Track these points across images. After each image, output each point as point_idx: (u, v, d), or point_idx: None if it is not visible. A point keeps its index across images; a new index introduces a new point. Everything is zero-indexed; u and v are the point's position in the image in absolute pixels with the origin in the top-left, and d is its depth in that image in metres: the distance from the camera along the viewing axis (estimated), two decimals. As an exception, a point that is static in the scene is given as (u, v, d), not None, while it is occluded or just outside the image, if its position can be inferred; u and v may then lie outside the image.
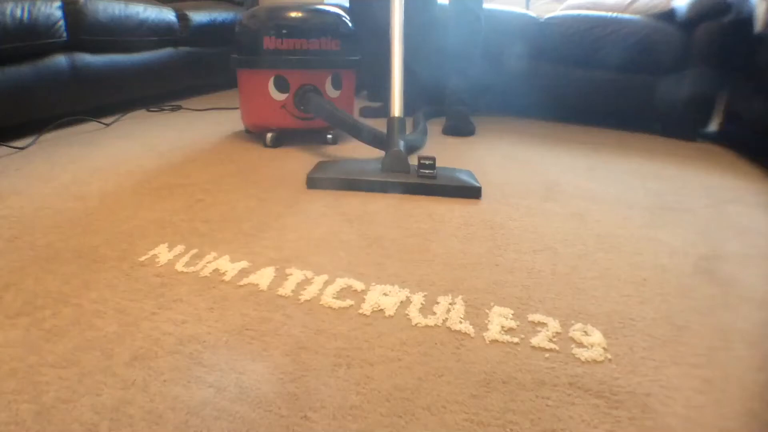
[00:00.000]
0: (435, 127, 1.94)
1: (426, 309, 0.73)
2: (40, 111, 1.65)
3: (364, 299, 0.75)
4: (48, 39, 1.58)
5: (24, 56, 1.54)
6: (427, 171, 1.22)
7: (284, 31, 1.49)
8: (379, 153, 1.51)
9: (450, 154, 1.59)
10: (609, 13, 2.12)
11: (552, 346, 0.66)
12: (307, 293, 0.76)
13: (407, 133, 1.60)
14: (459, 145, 1.72)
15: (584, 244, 0.97)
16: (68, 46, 1.69)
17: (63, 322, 0.67)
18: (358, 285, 0.79)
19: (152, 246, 0.89)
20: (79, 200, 1.09)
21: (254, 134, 1.70)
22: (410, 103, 2.15)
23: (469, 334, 0.68)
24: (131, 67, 2.02)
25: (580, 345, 0.66)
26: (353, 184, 1.21)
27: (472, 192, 1.20)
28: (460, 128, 1.89)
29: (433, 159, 1.23)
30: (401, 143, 1.29)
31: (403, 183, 1.20)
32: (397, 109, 1.35)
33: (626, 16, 2.10)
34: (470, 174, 1.30)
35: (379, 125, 1.48)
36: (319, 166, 1.30)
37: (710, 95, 1.99)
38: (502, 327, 0.70)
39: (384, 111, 2.14)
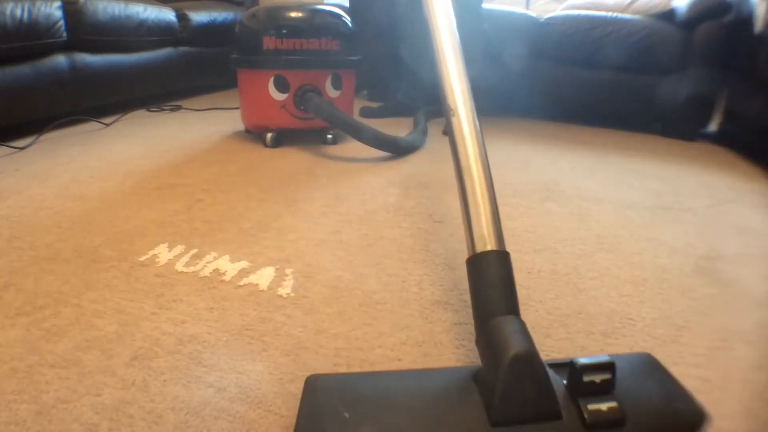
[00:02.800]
0: (435, 128, 1.94)
1: (426, 309, 0.73)
2: (40, 111, 1.65)
3: (364, 299, 0.75)
4: (48, 39, 1.58)
5: (24, 56, 1.54)
6: (602, 407, 0.47)
7: (284, 31, 1.49)
8: (385, 154, 1.51)
9: (449, 154, 1.59)
10: (609, 13, 2.12)
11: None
12: (307, 293, 0.76)
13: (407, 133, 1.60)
14: (459, 145, 1.72)
15: (584, 244, 0.97)
16: (68, 46, 1.69)
17: (63, 322, 0.67)
18: (359, 285, 0.79)
19: (152, 246, 0.89)
20: (79, 200, 1.09)
21: (254, 134, 1.70)
22: (410, 103, 2.17)
23: (470, 333, 0.68)
24: (131, 67, 2.02)
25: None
26: None
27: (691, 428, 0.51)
28: None
29: (611, 368, 0.48)
30: (516, 323, 0.52)
31: None
32: (489, 237, 0.59)
33: (626, 16, 2.10)
34: (654, 371, 0.55)
35: (380, 125, 1.48)
36: (315, 404, 0.48)
37: (710, 95, 1.99)
38: (502, 327, 0.69)
39: (384, 111, 2.15)
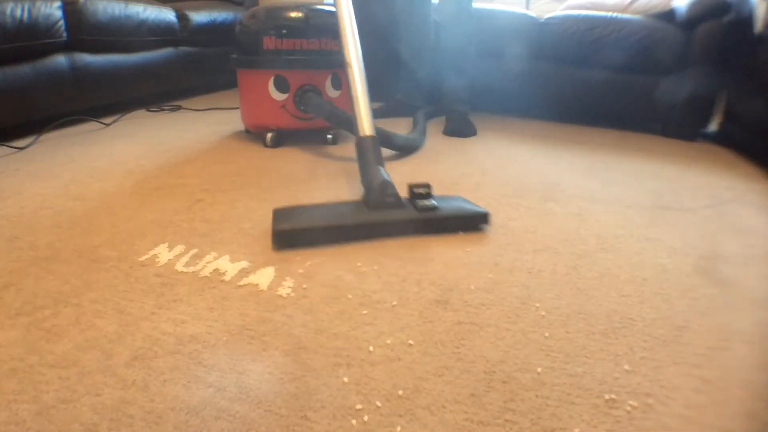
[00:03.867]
0: (435, 128, 1.94)
1: (426, 309, 0.73)
2: (40, 111, 1.65)
3: (364, 298, 0.75)
4: (48, 39, 1.58)
5: (24, 56, 1.54)
6: (426, 203, 0.97)
7: (284, 31, 1.49)
8: (384, 153, 1.51)
9: (450, 155, 1.59)
10: (609, 13, 2.12)
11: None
12: (307, 293, 0.76)
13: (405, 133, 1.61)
14: (459, 146, 1.72)
15: (584, 244, 0.97)
16: (68, 46, 1.69)
17: (63, 322, 0.67)
18: (359, 284, 0.79)
19: (152, 246, 0.89)
20: (79, 200, 1.09)
21: (254, 134, 1.70)
22: (410, 103, 2.17)
23: (470, 332, 0.68)
24: (131, 67, 2.02)
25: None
26: (337, 232, 0.92)
27: (479, 219, 1.01)
28: (461, 129, 1.89)
29: (428, 186, 1.00)
30: (382, 170, 1.02)
31: (401, 221, 0.95)
32: (366, 126, 1.10)
33: (626, 16, 2.10)
34: (465, 200, 1.08)
35: (380, 125, 1.48)
36: (281, 215, 0.94)
37: (710, 95, 1.99)
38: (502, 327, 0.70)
39: (383, 111, 2.15)
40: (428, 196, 1.00)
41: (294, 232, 0.90)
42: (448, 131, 1.90)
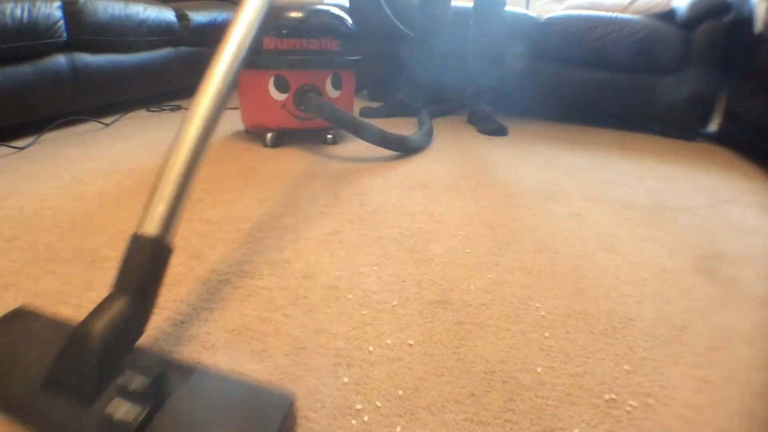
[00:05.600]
0: (444, 127, 1.94)
1: (426, 309, 0.73)
2: (40, 111, 1.65)
3: (364, 299, 0.75)
4: (48, 39, 1.58)
5: (24, 56, 1.53)
6: (119, 415, 0.44)
7: (284, 31, 1.49)
8: (385, 153, 1.51)
9: (450, 154, 1.59)
10: (609, 13, 2.12)
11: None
12: (308, 293, 0.76)
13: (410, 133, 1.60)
14: (459, 146, 1.72)
15: (584, 244, 0.97)
16: (68, 46, 1.69)
17: (63, 322, 0.67)
18: (358, 285, 0.79)
19: (152, 246, 0.89)
20: (79, 200, 1.09)
21: (254, 134, 1.70)
22: (410, 103, 2.17)
23: (470, 333, 0.68)
24: (131, 67, 2.02)
25: (580, 345, 0.66)
26: None
27: None
28: (497, 129, 1.93)
29: (162, 369, 0.48)
30: (124, 314, 0.51)
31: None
32: (155, 217, 0.58)
33: (626, 16, 2.10)
34: (274, 410, 0.48)
35: (380, 125, 1.48)
36: None
37: (710, 95, 2.00)
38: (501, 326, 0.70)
39: (384, 111, 2.16)
40: (150, 387, 0.46)
41: None
42: (485, 131, 1.94)
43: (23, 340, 0.57)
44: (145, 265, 0.55)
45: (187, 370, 0.51)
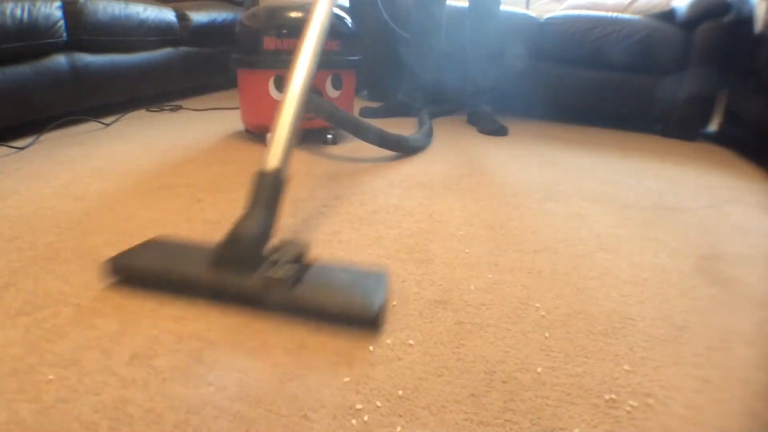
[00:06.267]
0: (437, 128, 1.94)
1: (426, 309, 0.73)
2: (40, 111, 1.65)
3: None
4: (48, 39, 1.58)
5: (24, 56, 1.54)
6: (279, 275, 0.67)
7: (284, 31, 1.49)
8: (385, 153, 1.51)
9: (450, 155, 1.59)
10: (609, 13, 2.13)
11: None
12: (307, 293, 0.76)
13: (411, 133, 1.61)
14: (459, 146, 1.72)
15: (584, 244, 0.97)
16: (68, 46, 1.69)
17: (63, 322, 0.67)
18: (358, 285, 0.79)
19: (152, 246, 0.89)
20: (79, 200, 1.09)
21: (254, 134, 1.70)
22: (411, 103, 2.17)
23: (470, 333, 0.68)
24: (131, 67, 2.02)
25: (580, 345, 0.66)
26: (165, 280, 0.74)
27: (359, 319, 0.67)
28: (497, 129, 1.93)
29: (302, 251, 0.73)
30: (263, 219, 0.76)
31: (232, 291, 0.71)
32: (273, 158, 0.81)
33: (626, 16, 2.10)
34: (379, 280, 0.73)
35: (380, 125, 1.48)
36: (143, 246, 0.82)
37: (710, 95, 2.00)
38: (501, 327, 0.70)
39: (384, 111, 2.16)
40: (291, 266, 0.69)
41: (124, 267, 0.76)
42: (485, 131, 1.94)
43: (172, 249, 0.81)
44: (272, 189, 0.79)
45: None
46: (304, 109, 0.86)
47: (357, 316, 0.67)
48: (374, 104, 2.26)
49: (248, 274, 0.69)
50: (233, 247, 0.72)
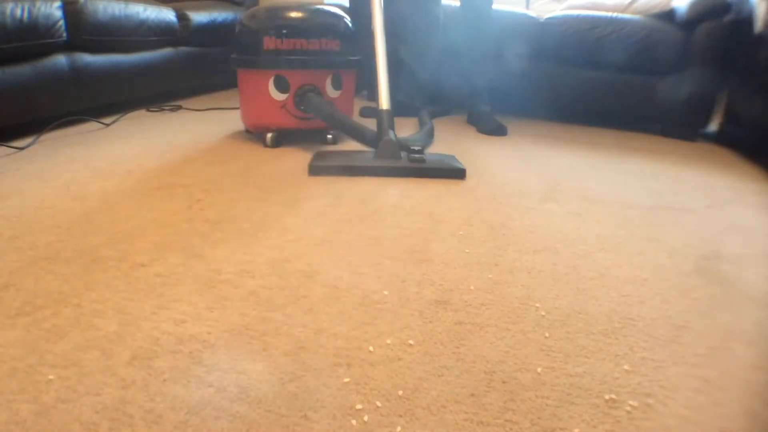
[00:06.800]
0: (438, 128, 1.94)
1: (426, 309, 0.73)
2: (40, 111, 1.65)
3: (364, 299, 0.75)
4: (48, 39, 1.58)
5: (24, 56, 1.53)
6: (416, 156, 1.37)
7: (284, 31, 1.49)
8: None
9: (450, 154, 1.59)
10: (609, 14, 2.12)
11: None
12: (308, 293, 0.76)
13: (410, 134, 1.61)
14: (459, 146, 1.72)
15: (584, 244, 0.97)
16: (68, 46, 1.69)
17: (63, 322, 0.67)
18: (358, 285, 0.79)
19: (152, 246, 0.89)
20: (79, 200, 1.09)
21: (254, 134, 1.70)
22: (411, 103, 2.17)
23: (470, 333, 0.68)
24: (131, 67, 2.02)
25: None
26: (351, 170, 1.33)
27: (457, 173, 1.35)
28: (496, 129, 1.94)
29: (422, 147, 1.43)
30: (391, 133, 1.41)
31: (395, 167, 1.34)
32: (384, 101, 1.44)
33: (626, 16, 2.10)
34: (454, 158, 1.45)
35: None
36: (319, 156, 1.41)
37: (710, 95, 1.99)
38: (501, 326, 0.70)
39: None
40: (420, 152, 1.39)
41: (322, 168, 1.33)
42: (484, 131, 1.94)
43: (342, 154, 1.46)
44: (391, 119, 1.44)
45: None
46: (390, 64, 1.47)
47: (457, 172, 1.36)
48: (374, 104, 2.26)
49: (400, 159, 1.38)
50: (387, 147, 1.38)
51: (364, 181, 1.29)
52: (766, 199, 1.32)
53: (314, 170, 1.31)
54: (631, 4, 2.22)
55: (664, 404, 0.57)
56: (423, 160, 1.35)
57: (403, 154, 1.39)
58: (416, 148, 1.40)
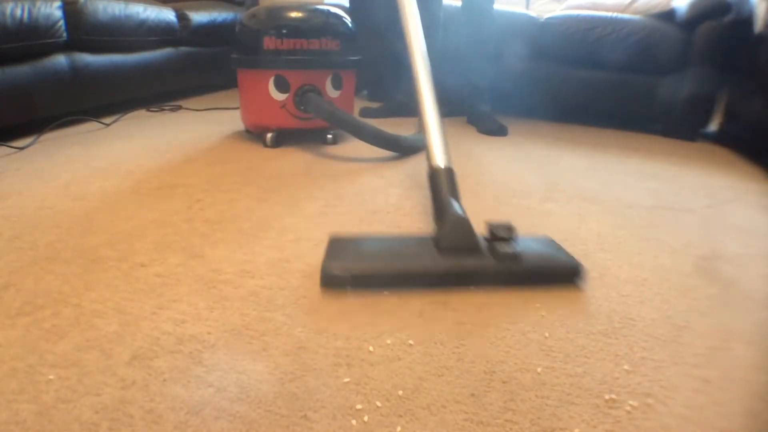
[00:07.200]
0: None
1: (426, 309, 0.73)
2: (40, 111, 1.65)
3: (364, 298, 0.75)
4: (48, 39, 1.58)
5: (24, 56, 1.54)
6: (507, 249, 0.80)
7: (284, 31, 1.49)
8: (385, 154, 1.51)
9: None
10: (609, 13, 2.12)
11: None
12: (308, 293, 0.76)
13: (410, 133, 1.61)
14: (459, 146, 1.72)
15: (584, 244, 0.97)
16: (68, 46, 1.69)
17: (63, 322, 0.67)
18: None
19: (152, 246, 0.89)
20: (79, 200, 1.09)
21: (254, 134, 1.70)
22: (410, 103, 2.17)
23: (470, 332, 0.68)
24: (131, 67, 2.02)
25: (580, 345, 0.66)
26: (400, 277, 0.78)
27: (570, 273, 0.82)
28: (496, 129, 1.94)
29: (511, 228, 0.84)
30: (457, 205, 0.87)
31: (478, 271, 0.79)
32: (438, 155, 0.97)
33: (626, 16, 2.10)
34: (551, 243, 0.90)
35: (380, 125, 1.48)
36: (334, 249, 0.83)
37: (710, 95, 1.99)
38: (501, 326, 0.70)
39: (384, 111, 2.16)
40: (510, 239, 0.82)
41: (344, 276, 0.76)
42: (484, 131, 1.94)
43: (372, 245, 0.85)
44: (452, 182, 0.94)
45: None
46: (441, 111, 1.05)
47: (569, 272, 0.82)
48: (374, 104, 2.26)
49: (479, 255, 0.81)
50: (456, 234, 0.83)
51: (364, 180, 1.29)
52: (766, 199, 1.32)
53: (331, 280, 0.77)
54: (631, 4, 2.22)
55: (664, 404, 0.57)
56: (517, 257, 0.79)
57: (482, 240, 0.84)
58: (503, 232, 0.84)
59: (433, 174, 0.95)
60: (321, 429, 0.51)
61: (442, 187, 0.92)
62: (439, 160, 0.96)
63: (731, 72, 1.95)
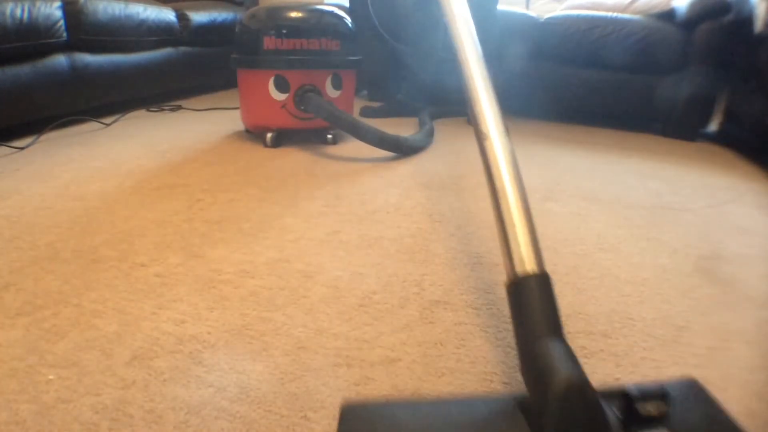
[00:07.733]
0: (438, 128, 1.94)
1: (426, 309, 0.73)
2: (40, 111, 1.65)
3: (364, 299, 0.75)
4: (48, 39, 1.58)
5: (24, 56, 1.54)
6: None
7: (284, 31, 1.49)
8: (385, 154, 1.51)
9: (450, 155, 1.59)
10: (609, 13, 2.12)
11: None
12: (308, 293, 0.76)
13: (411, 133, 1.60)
14: (459, 146, 1.72)
15: (584, 244, 0.97)
16: (68, 46, 1.69)
17: (63, 322, 0.67)
18: (358, 285, 0.79)
19: (152, 246, 0.89)
20: (79, 200, 1.09)
21: (254, 134, 1.70)
22: (411, 103, 2.17)
23: (470, 333, 0.68)
24: (131, 67, 2.02)
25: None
26: None
27: None
28: None
29: (665, 393, 0.47)
30: (560, 347, 0.49)
31: None
32: (526, 252, 0.58)
33: (626, 16, 2.10)
34: (710, 402, 0.52)
35: (380, 125, 1.48)
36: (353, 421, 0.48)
37: (710, 95, 1.99)
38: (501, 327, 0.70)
39: (384, 111, 2.15)
40: (661, 418, 0.46)
41: None
42: None
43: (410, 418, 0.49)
44: (549, 303, 0.53)
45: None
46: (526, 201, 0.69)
47: None
48: (374, 104, 2.26)
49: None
50: (572, 412, 0.45)
51: (364, 180, 1.29)
52: (766, 199, 1.32)
53: None
54: (631, 4, 2.22)
55: (664, 404, 0.57)
56: None
57: (614, 421, 0.46)
58: (649, 408, 0.45)
59: (518, 287, 0.55)
60: (321, 429, 0.51)
61: (535, 316, 0.52)
62: (527, 262, 0.56)
63: (731, 72, 1.95)
